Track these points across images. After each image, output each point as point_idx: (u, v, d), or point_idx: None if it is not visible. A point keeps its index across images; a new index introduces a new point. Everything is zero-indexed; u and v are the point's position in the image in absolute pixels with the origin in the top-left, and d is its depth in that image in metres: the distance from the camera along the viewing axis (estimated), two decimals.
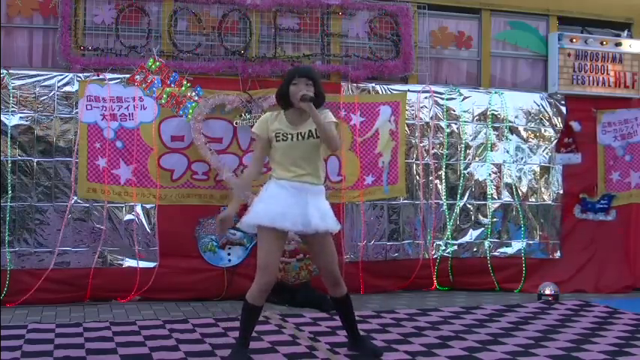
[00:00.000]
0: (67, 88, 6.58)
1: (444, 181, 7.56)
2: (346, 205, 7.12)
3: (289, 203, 4.27)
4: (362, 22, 7.46)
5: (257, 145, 4.51)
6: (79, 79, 6.59)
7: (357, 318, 5.86)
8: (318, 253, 4.47)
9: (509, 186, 7.78)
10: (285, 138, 4.33)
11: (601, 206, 8.00)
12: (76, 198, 6.54)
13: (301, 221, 4.26)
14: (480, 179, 7.72)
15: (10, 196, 6.39)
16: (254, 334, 5.19)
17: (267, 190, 4.39)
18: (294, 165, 4.32)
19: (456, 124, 7.65)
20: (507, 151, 7.79)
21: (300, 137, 4.33)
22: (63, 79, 6.58)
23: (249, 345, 4.47)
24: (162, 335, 5.15)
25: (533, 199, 7.87)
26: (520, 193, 7.81)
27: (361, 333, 4.80)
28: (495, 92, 7.81)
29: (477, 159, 7.71)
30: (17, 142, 6.45)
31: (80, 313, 6.02)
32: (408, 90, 7.48)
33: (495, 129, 7.77)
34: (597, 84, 8.03)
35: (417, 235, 7.45)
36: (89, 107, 6.59)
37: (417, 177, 7.48)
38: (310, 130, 4.33)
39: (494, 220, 7.71)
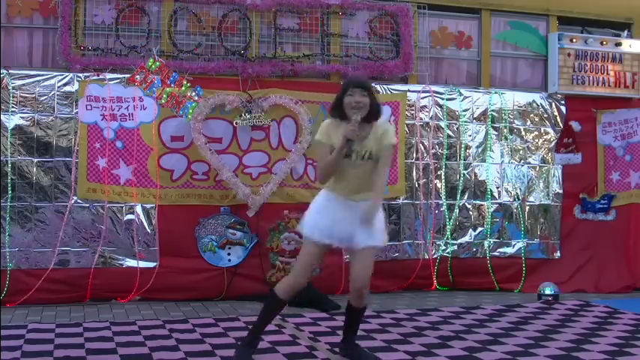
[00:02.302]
0: (67, 88, 6.58)
1: (443, 181, 7.57)
2: None
3: (338, 218, 4.29)
4: (362, 22, 7.47)
5: (322, 152, 4.35)
6: (79, 79, 6.59)
7: None
8: (354, 263, 4.44)
9: (509, 186, 7.78)
10: (344, 155, 4.27)
11: (601, 206, 8.00)
12: (76, 198, 6.54)
13: (347, 237, 4.30)
14: (480, 179, 7.72)
15: (10, 196, 6.39)
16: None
17: (318, 202, 4.43)
18: (349, 182, 4.32)
19: (455, 124, 7.65)
20: (507, 151, 7.79)
21: (358, 158, 4.30)
22: (63, 79, 6.58)
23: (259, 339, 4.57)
24: (162, 335, 5.15)
25: (533, 199, 7.87)
26: (520, 193, 7.81)
27: (356, 341, 4.71)
28: (495, 92, 7.82)
29: (477, 159, 7.71)
30: (17, 142, 6.45)
31: (80, 313, 6.02)
32: (408, 90, 7.48)
33: (495, 129, 7.77)
34: (597, 84, 8.03)
35: (417, 235, 7.45)
36: (89, 107, 6.59)
37: (417, 177, 7.48)
38: (368, 152, 4.30)
39: (494, 220, 7.71)
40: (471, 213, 7.67)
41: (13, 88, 6.45)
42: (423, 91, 7.55)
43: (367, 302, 4.57)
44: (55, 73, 6.58)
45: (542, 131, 7.94)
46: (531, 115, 7.91)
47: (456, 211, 7.60)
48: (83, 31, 6.75)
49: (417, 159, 7.48)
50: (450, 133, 7.62)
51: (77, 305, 6.34)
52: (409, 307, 6.49)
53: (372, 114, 4.31)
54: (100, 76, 6.64)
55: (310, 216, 4.41)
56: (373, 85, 7.30)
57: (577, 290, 7.54)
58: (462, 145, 7.64)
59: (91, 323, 5.56)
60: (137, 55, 6.79)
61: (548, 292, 6.94)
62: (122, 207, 6.67)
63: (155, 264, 6.65)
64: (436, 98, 7.59)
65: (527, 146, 7.87)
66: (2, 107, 6.38)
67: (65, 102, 6.57)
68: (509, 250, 7.75)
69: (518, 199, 7.80)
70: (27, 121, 6.49)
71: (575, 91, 7.97)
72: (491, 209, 7.71)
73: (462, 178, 7.64)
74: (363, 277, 4.39)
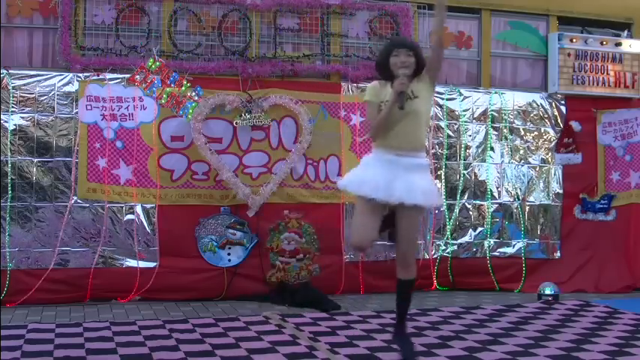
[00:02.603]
0: (67, 88, 6.58)
1: (443, 181, 7.56)
2: (346, 205, 7.11)
3: (376, 172, 4.33)
4: (362, 22, 7.46)
5: (372, 111, 4.48)
6: (79, 79, 6.59)
7: (357, 318, 5.90)
8: (398, 224, 4.41)
9: (509, 186, 7.78)
10: (399, 107, 4.30)
11: (601, 206, 8.00)
12: (76, 198, 6.54)
13: (384, 189, 4.26)
14: (480, 179, 7.72)
15: (10, 196, 6.39)
16: (253, 334, 5.21)
17: (364, 159, 4.55)
18: (394, 137, 4.35)
19: (455, 124, 7.65)
20: (507, 151, 7.79)
21: (407, 107, 4.30)
22: (63, 79, 6.58)
23: None
24: (162, 335, 5.14)
25: (533, 199, 7.87)
26: (520, 193, 7.81)
27: (406, 330, 4.67)
28: (495, 92, 7.82)
29: (477, 159, 7.71)
30: (17, 142, 6.45)
31: (80, 313, 6.02)
32: None
33: (495, 129, 7.77)
34: (597, 84, 8.03)
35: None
36: (89, 107, 6.59)
37: None
38: (413, 96, 4.35)
39: (494, 220, 7.71)
40: (471, 213, 7.67)
41: (13, 88, 6.45)
42: None
43: (414, 275, 4.47)
44: (55, 73, 6.58)
45: (542, 131, 7.94)
46: (531, 115, 7.90)
47: (456, 211, 7.59)
48: (83, 31, 6.75)
49: None
50: (450, 133, 7.62)
51: (77, 305, 6.33)
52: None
53: (419, 70, 4.41)
54: (100, 76, 6.64)
55: (350, 172, 4.54)
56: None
57: (577, 290, 7.53)
58: (462, 145, 7.64)
59: (91, 323, 5.56)
60: (137, 55, 6.79)
61: (548, 292, 6.94)
62: (122, 207, 6.67)
63: (155, 264, 6.65)
64: (436, 98, 7.58)
65: (527, 146, 7.87)
66: (2, 107, 6.38)
67: (65, 102, 6.57)
68: (509, 250, 7.75)
69: (518, 199, 7.80)
70: (27, 121, 6.49)
71: (575, 91, 7.97)
72: (491, 209, 7.71)
73: (462, 178, 7.63)
74: (405, 239, 4.39)
